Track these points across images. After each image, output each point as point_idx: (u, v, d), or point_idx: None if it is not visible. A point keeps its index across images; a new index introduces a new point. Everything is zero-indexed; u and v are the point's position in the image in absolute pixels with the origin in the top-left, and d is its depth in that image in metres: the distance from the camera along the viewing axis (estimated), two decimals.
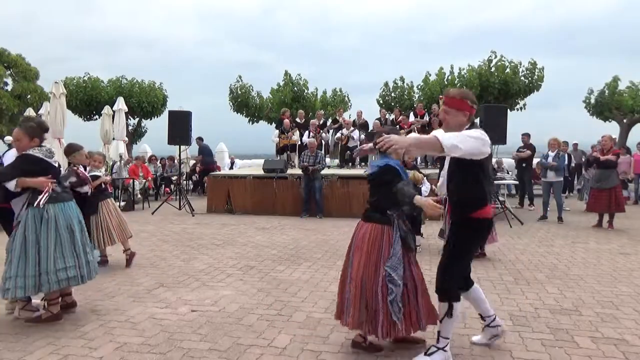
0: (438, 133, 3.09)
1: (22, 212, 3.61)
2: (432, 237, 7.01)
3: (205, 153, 14.84)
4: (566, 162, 9.96)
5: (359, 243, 3.09)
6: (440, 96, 12.81)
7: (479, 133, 2.76)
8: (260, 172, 10.90)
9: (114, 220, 5.50)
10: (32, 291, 3.56)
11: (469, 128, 2.90)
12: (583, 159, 13.37)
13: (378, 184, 3.14)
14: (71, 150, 4.95)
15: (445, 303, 2.93)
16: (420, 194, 6.42)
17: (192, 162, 16.85)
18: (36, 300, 4.00)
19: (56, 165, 3.84)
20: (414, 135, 2.84)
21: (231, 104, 22.12)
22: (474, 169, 2.84)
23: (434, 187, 7.18)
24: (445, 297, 2.94)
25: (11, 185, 3.53)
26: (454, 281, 2.97)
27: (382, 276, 2.94)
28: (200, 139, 14.67)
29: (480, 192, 2.89)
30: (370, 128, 12.73)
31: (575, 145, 14.65)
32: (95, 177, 5.31)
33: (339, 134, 12.74)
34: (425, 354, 2.99)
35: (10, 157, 4.33)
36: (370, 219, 3.12)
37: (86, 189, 4.90)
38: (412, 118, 12.93)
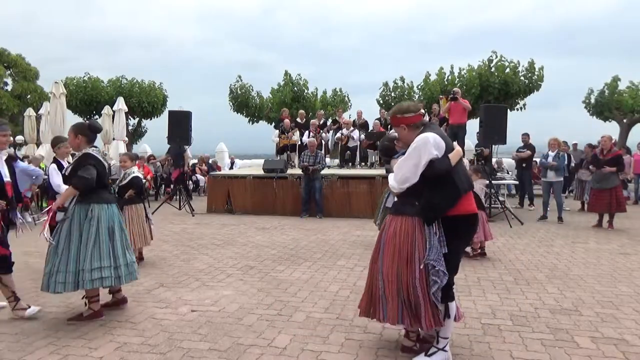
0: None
1: (70, 207, 3.71)
2: None
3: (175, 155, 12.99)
4: (566, 162, 9.96)
5: (390, 238, 3.03)
6: (440, 96, 12.83)
7: (415, 144, 2.83)
8: (260, 172, 10.90)
9: (132, 227, 5.52)
10: (72, 287, 3.60)
11: (420, 133, 2.92)
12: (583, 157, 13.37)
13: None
14: (57, 141, 5.11)
15: (442, 304, 2.93)
16: None
17: (192, 161, 16.86)
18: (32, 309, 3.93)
19: (107, 167, 3.96)
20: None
21: (231, 104, 22.13)
22: (424, 176, 2.86)
23: None
24: (441, 299, 2.93)
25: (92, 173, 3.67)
26: (442, 280, 2.94)
27: (420, 269, 2.90)
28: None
29: (440, 193, 2.87)
30: (370, 128, 12.73)
31: (575, 145, 14.65)
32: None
33: (339, 134, 12.74)
34: (426, 354, 2.99)
35: (50, 172, 4.56)
36: (401, 212, 3.06)
37: (60, 187, 5.00)
38: None
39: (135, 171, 5.76)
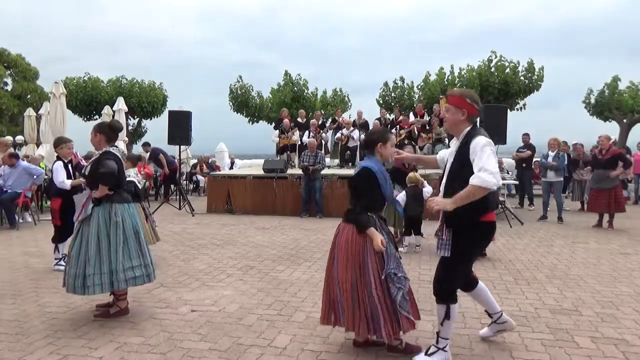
0: (443, 154, 3.26)
1: (89, 209, 3.72)
2: (432, 237, 7.00)
3: (154, 159, 13.05)
4: (566, 162, 9.97)
5: (342, 245, 3.03)
6: (441, 96, 12.82)
7: (486, 141, 2.78)
8: (260, 172, 10.90)
9: None
10: (108, 288, 3.68)
11: (471, 130, 2.89)
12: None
13: (356, 189, 3.09)
14: (59, 142, 5.11)
15: (443, 305, 2.92)
16: (421, 195, 6.43)
17: (192, 162, 16.87)
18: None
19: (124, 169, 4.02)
20: (454, 197, 2.77)
21: (231, 104, 22.12)
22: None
23: (435, 190, 7.19)
24: (443, 300, 2.94)
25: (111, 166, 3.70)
26: (454, 285, 2.96)
27: (374, 278, 2.91)
28: (146, 145, 13.33)
29: (482, 200, 2.81)
30: (371, 128, 12.73)
31: (575, 145, 14.63)
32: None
33: (339, 134, 12.74)
34: (426, 354, 2.99)
35: (55, 169, 4.86)
36: (349, 221, 3.07)
37: (65, 184, 5.03)
38: (412, 118, 12.93)
39: (132, 175, 5.65)
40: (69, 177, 5.29)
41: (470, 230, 2.86)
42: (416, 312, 3.10)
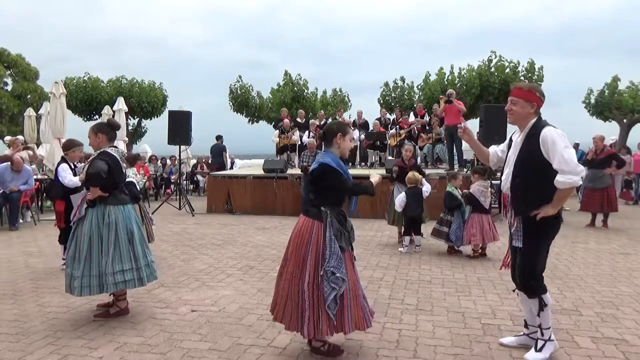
0: (496, 150, 3.28)
1: (84, 211, 3.68)
2: (432, 237, 7.00)
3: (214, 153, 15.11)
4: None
5: (293, 237, 3.03)
6: (441, 96, 12.82)
7: (556, 132, 2.83)
8: (260, 172, 10.90)
9: None
10: (97, 291, 3.64)
11: (537, 121, 2.93)
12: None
13: (315, 184, 3.07)
14: (71, 145, 5.01)
15: (536, 299, 2.95)
16: (421, 194, 6.44)
17: (192, 161, 16.86)
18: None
19: (125, 169, 3.95)
20: (554, 201, 2.87)
21: (231, 104, 22.11)
22: (544, 166, 2.85)
23: (434, 189, 7.19)
24: (533, 294, 2.97)
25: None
26: (540, 277, 3.00)
27: (309, 274, 2.88)
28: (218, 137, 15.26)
29: (549, 190, 2.87)
30: (370, 128, 12.73)
31: (576, 145, 14.64)
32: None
33: None
34: (536, 350, 2.99)
35: (61, 169, 4.49)
36: (305, 213, 3.06)
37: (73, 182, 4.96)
38: (412, 118, 12.93)
39: (131, 175, 5.57)
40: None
41: (540, 222, 2.89)
42: (354, 320, 2.95)
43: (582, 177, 2.76)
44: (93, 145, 3.86)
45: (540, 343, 3.00)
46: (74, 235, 3.70)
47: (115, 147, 3.91)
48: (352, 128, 12.31)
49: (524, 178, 2.92)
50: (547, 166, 2.84)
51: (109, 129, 3.87)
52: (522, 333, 3.27)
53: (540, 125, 2.91)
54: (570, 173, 2.74)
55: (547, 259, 3.07)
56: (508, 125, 9.42)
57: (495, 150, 3.35)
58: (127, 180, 5.39)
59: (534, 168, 2.89)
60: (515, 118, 3.03)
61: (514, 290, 3.27)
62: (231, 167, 17.53)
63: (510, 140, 3.16)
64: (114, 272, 3.61)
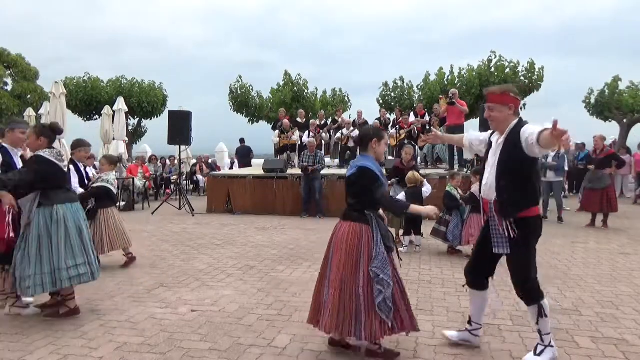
0: (476, 136, 3.29)
1: (33, 212, 3.66)
2: (431, 237, 7.00)
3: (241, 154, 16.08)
4: (566, 161, 9.96)
5: (338, 243, 3.02)
6: (441, 96, 12.81)
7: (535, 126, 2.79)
8: (260, 172, 10.90)
9: (112, 229, 5.42)
10: (50, 287, 3.67)
11: (518, 122, 2.91)
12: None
13: (355, 187, 3.07)
14: (78, 145, 5.02)
15: (535, 305, 2.92)
16: (421, 195, 6.44)
17: (192, 161, 16.87)
18: (27, 299, 4.04)
19: (65, 168, 3.92)
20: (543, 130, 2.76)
21: (231, 104, 22.11)
22: (527, 166, 2.85)
23: (435, 190, 7.19)
24: (532, 301, 2.94)
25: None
26: (536, 281, 2.96)
27: (364, 277, 2.88)
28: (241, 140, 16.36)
29: (533, 190, 2.89)
30: None
31: (577, 145, 14.60)
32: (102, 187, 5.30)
33: (339, 134, 12.73)
34: (535, 354, 2.98)
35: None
36: (349, 218, 3.06)
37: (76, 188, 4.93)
38: (412, 118, 12.93)
39: (111, 180, 5.43)
40: (82, 181, 5.18)
41: (523, 225, 2.89)
42: (406, 321, 2.98)
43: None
44: (32, 146, 3.81)
45: (540, 348, 2.98)
46: (24, 239, 3.66)
47: (52, 148, 3.84)
48: (352, 128, 12.39)
49: (509, 180, 2.89)
50: (530, 165, 2.84)
51: (51, 133, 3.85)
52: (464, 329, 3.30)
53: (520, 125, 2.88)
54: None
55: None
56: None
57: (473, 137, 3.35)
58: (99, 184, 5.25)
59: (517, 168, 2.87)
60: (496, 124, 3.00)
61: (463, 286, 3.29)
62: (231, 167, 17.54)
63: (490, 142, 3.13)
64: (67, 267, 3.65)
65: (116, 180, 5.81)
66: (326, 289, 3.01)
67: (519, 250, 2.92)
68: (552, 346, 2.97)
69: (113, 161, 5.74)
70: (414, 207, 3.09)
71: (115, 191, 5.57)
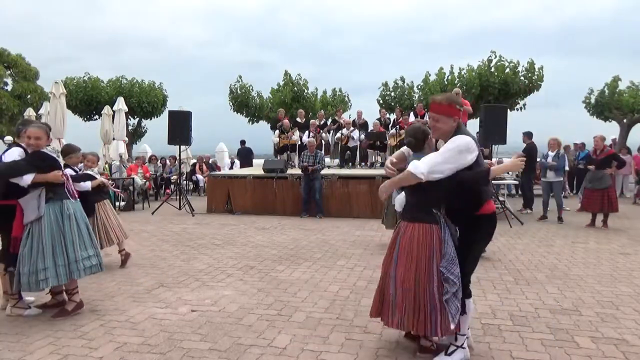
0: (406, 156, 3.26)
1: (42, 207, 3.72)
2: None
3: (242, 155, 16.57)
4: (566, 161, 9.95)
5: (406, 245, 3.00)
6: None
7: (462, 141, 2.80)
8: (260, 172, 10.90)
9: (112, 221, 5.57)
10: (65, 279, 3.76)
11: (457, 130, 2.92)
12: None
13: (419, 184, 2.97)
14: (70, 150, 4.99)
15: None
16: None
17: (192, 161, 16.87)
18: (29, 298, 4.11)
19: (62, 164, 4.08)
20: (388, 182, 3.05)
21: (231, 104, 22.12)
22: (467, 166, 2.86)
23: None
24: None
25: (27, 179, 3.63)
26: (468, 280, 3.01)
27: (437, 275, 2.90)
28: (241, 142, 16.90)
29: (477, 190, 2.91)
30: (370, 128, 12.72)
31: (577, 145, 14.59)
32: (89, 176, 5.29)
33: (339, 134, 12.74)
34: (446, 353, 3.00)
35: (10, 156, 4.34)
36: (417, 219, 3.02)
37: (87, 185, 4.95)
38: (412, 118, 12.93)
39: (89, 171, 5.45)
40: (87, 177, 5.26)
41: (473, 225, 2.95)
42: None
43: (422, 176, 2.78)
44: (43, 146, 3.86)
45: (452, 348, 3.00)
46: (29, 234, 3.71)
47: (49, 145, 4.00)
48: (352, 128, 12.39)
49: (454, 190, 2.91)
50: (471, 166, 2.85)
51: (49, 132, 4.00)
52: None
53: (457, 133, 2.90)
54: (420, 167, 2.80)
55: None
56: (508, 125, 9.46)
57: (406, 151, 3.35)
58: (89, 172, 5.29)
59: (462, 171, 2.86)
60: (440, 134, 3.01)
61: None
62: (231, 167, 17.53)
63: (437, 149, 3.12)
64: (82, 258, 3.80)
65: (100, 175, 6.00)
66: (392, 288, 3.03)
67: (466, 249, 3.00)
68: (464, 348, 3.00)
69: (98, 159, 6.03)
70: (495, 170, 3.07)
71: (99, 178, 5.61)
